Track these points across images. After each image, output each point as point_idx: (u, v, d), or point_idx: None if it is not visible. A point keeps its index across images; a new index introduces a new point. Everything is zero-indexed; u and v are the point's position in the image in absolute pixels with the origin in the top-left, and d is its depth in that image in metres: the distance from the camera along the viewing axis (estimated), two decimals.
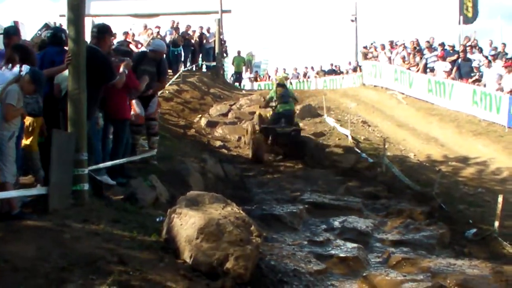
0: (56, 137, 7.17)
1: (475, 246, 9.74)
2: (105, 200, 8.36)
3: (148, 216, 8.02)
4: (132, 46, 20.66)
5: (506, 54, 23.50)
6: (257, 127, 18.73)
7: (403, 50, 28.13)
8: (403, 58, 27.28)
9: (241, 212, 6.90)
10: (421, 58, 25.78)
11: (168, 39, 28.30)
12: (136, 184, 9.34)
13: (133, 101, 10.84)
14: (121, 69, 9.50)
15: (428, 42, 26.55)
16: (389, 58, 29.02)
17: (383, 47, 30.24)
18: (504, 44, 24.23)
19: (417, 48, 26.77)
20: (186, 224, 6.30)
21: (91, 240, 6.11)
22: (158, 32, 27.90)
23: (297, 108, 21.64)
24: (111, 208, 7.99)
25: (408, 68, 26.03)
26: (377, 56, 30.55)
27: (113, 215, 7.52)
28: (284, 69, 42.89)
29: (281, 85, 19.25)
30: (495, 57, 22.61)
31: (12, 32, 9.12)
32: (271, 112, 18.82)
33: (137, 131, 11.45)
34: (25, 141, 7.77)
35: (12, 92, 6.89)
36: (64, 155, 7.26)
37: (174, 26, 29.80)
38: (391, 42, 30.35)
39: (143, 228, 7.09)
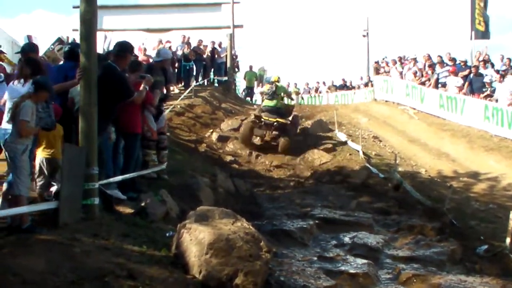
0: (67, 151, 7.22)
1: (486, 262, 9.66)
2: (115, 215, 8.37)
3: (158, 231, 8.03)
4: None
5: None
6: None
7: (414, 65, 28.12)
8: (415, 73, 27.26)
9: (251, 227, 6.88)
10: (432, 73, 25.76)
11: (179, 53, 28.43)
12: (147, 199, 9.34)
13: (146, 116, 10.85)
14: (142, 86, 9.57)
15: (440, 57, 26.51)
16: (400, 73, 29.03)
17: (395, 62, 30.29)
18: (509, 59, 24.19)
19: (429, 63, 26.74)
20: (196, 239, 6.31)
21: (100, 254, 6.12)
22: (170, 47, 28.00)
23: (308, 123, 22.52)
24: (121, 222, 8.00)
25: (422, 83, 26.01)
26: (388, 71, 30.57)
27: (123, 229, 7.53)
28: (296, 84, 43.04)
29: (270, 83, 21.59)
30: (506, 72, 22.54)
31: (27, 49, 9.19)
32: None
33: (149, 146, 11.47)
34: (51, 150, 7.94)
35: (25, 108, 6.95)
36: (75, 169, 7.30)
37: (185, 41, 29.91)
38: (400, 58, 30.38)
39: (153, 243, 7.10)
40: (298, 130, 22.10)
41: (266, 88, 21.64)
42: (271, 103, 20.51)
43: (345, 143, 20.10)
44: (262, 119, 20.10)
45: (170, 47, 27.79)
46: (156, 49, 25.17)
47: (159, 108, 11.66)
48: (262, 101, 21.72)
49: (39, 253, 5.81)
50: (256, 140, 20.87)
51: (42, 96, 7.30)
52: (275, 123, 19.89)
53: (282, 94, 21.03)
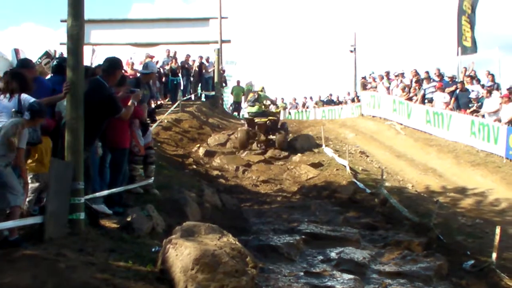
0: (53, 166, 7.20)
1: (473, 278, 9.67)
2: (101, 230, 8.33)
3: (144, 246, 7.99)
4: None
5: (499, 85, 23.73)
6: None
7: (400, 82, 28.29)
8: (403, 89, 27.40)
9: (237, 243, 6.87)
10: (419, 89, 25.92)
11: (167, 68, 28.49)
12: (133, 214, 9.30)
13: (134, 131, 10.82)
14: (130, 102, 9.55)
15: (427, 72, 26.70)
16: (387, 88, 29.19)
17: (382, 77, 30.48)
18: (492, 75, 24.46)
19: (417, 78, 26.92)
20: (182, 254, 6.29)
21: (86, 269, 6.08)
22: (157, 62, 28.01)
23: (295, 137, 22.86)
24: (107, 237, 7.96)
25: (408, 99, 26.16)
26: (376, 87, 30.72)
27: (109, 244, 7.50)
28: (283, 99, 43.16)
29: (254, 91, 24.42)
30: (491, 87, 22.69)
31: (20, 64, 9.21)
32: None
33: (136, 161, 11.45)
34: (37, 165, 7.96)
35: (24, 136, 7.11)
36: (61, 184, 7.27)
37: (170, 55, 29.96)
38: (388, 73, 30.57)
39: (139, 258, 7.07)
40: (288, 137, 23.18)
41: (249, 96, 24.05)
42: (253, 109, 22.61)
43: (332, 158, 20.11)
44: (255, 121, 22.26)
45: (157, 62, 27.83)
46: (143, 63, 25.29)
47: (145, 123, 11.64)
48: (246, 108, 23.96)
49: (24, 268, 5.78)
50: (253, 143, 22.70)
51: (38, 122, 7.34)
52: (267, 122, 22.17)
53: (264, 101, 22.78)
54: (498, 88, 22.96)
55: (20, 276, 5.55)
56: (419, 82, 26.50)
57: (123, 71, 11.26)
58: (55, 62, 10.15)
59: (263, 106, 22.76)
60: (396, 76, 29.59)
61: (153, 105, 12.14)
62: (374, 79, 31.81)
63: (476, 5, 29.38)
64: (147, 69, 12.53)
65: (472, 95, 22.95)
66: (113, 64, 9.36)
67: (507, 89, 22.11)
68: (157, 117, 20.23)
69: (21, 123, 7.13)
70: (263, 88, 23.55)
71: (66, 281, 5.61)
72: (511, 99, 20.11)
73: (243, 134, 22.35)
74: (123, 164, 10.18)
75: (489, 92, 21.86)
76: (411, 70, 28.20)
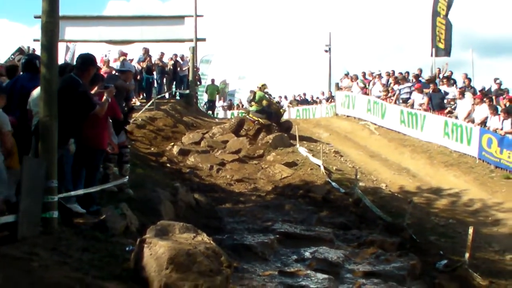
0: (26, 164, 7.11)
1: (446, 277, 9.79)
2: (74, 228, 8.26)
3: (117, 245, 7.93)
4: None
5: (473, 87, 23.97)
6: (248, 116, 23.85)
7: (378, 81, 28.50)
8: (385, 88, 27.56)
9: (212, 242, 6.86)
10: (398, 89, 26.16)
11: (140, 66, 28.38)
12: (106, 212, 9.24)
13: (109, 131, 10.73)
14: (104, 97, 9.48)
15: (401, 73, 26.92)
16: (362, 88, 29.37)
17: (356, 77, 30.62)
18: (469, 79, 24.74)
19: (393, 79, 27.20)
20: (156, 254, 6.26)
21: (59, 269, 6.04)
22: (131, 60, 27.83)
23: (270, 137, 22.50)
24: (80, 236, 7.88)
25: (385, 99, 26.32)
26: (350, 87, 30.84)
27: (82, 243, 7.43)
28: (294, 95, 43.75)
29: (251, 91, 24.95)
30: (463, 89, 22.89)
31: None
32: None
33: (110, 159, 11.37)
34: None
35: None
36: (34, 182, 7.19)
37: (146, 53, 29.85)
38: (364, 73, 30.78)
39: (113, 257, 7.03)
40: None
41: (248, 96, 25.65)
42: (251, 108, 23.71)
43: (306, 158, 20.12)
44: (249, 116, 23.52)
45: (131, 60, 27.67)
46: (119, 62, 25.16)
47: (121, 121, 11.56)
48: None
49: None
50: (243, 133, 23.86)
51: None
52: (256, 122, 23.37)
53: (261, 100, 23.45)
54: (474, 92, 23.14)
55: None
56: (397, 82, 26.72)
57: (97, 68, 11.16)
58: (23, 60, 9.99)
59: (263, 103, 23.54)
60: (373, 76, 29.75)
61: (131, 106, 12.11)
62: (351, 79, 31.90)
63: (451, 6, 29.51)
64: (124, 67, 12.54)
65: (450, 96, 23.19)
66: (86, 60, 9.27)
67: (480, 91, 22.39)
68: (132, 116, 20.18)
69: None
70: (262, 85, 23.89)
71: (39, 281, 5.56)
72: (483, 101, 20.29)
73: (236, 122, 23.84)
74: (100, 163, 10.14)
75: (462, 94, 22.05)
76: (388, 71, 28.62)
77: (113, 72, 21.08)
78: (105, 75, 12.93)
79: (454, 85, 24.61)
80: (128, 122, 13.32)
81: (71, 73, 9.07)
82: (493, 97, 21.66)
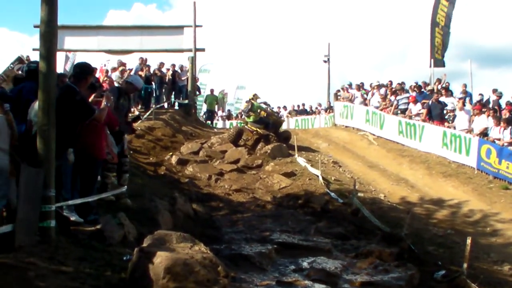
0: (24, 173, 7.10)
1: (444, 287, 9.76)
2: (72, 238, 8.24)
3: (115, 255, 7.93)
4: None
5: (470, 95, 24.06)
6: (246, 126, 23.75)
7: (377, 91, 28.54)
8: (384, 98, 27.62)
9: (209, 252, 6.85)
10: (394, 99, 26.21)
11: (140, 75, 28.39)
12: (104, 222, 9.23)
13: (108, 140, 10.72)
14: (103, 104, 9.49)
15: (399, 84, 26.99)
16: (363, 98, 29.42)
17: (358, 88, 30.68)
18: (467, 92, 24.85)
19: (392, 89, 27.28)
20: (153, 263, 6.25)
21: (56, 278, 6.02)
22: (129, 71, 27.77)
23: (268, 147, 22.51)
24: (77, 245, 7.87)
25: (383, 109, 26.38)
26: (350, 98, 30.88)
27: (79, 252, 7.42)
28: (293, 106, 43.97)
29: (247, 101, 24.94)
30: (463, 99, 22.93)
31: None
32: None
33: (109, 168, 11.37)
34: None
35: None
36: (32, 191, 7.18)
37: (143, 62, 29.85)
38: (363, 84, 30.86)
39: (110, 267, 7.02)
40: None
41: (243, 106, 25.73)
42: (249, 119, 23.60)
43: (304, 168, 20.11)
44: (247, 126, 23.50)
45: (130, 71, 27.62)
46: (114, 73, 25.20)
47: (120, 131, 11.57)
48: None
49: None
50: (242, 143, 23.72)
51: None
52: (254, 132, 23.48)
53: (259, 110, 23.42)
54: (470, 101, 23.21)
55: None
56: (395, 93, 26.79)
57: (95, 77, 11.20)
58: (29, 67, 10.00)
59: (261, 113, 23.58)
60: (372, 87, 29.80)
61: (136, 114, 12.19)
62: (347, 90, 31.93)
63: (451, 17, 29.64)
64: (134, 82, 12.68)
65: (449, 107, 23.24)
66: (83, 69, 9.32)
67: (478, 102, 22.41)
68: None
69: None
70: (254, 95, 23.88)
71: None
72: (482, 112, 20.33)
73: (234, 132, 23.66)
74: (98, 173, 10.14)
75: (463, 104, 22.05)
76: (387, 82, 28.75)
77: (115, 84, 21.18)
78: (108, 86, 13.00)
79: (453, 96, 24.66)
80: (135, 130, 13.37)
81: (67, 82, 9.09)
82: (496, 108, 21.74)
